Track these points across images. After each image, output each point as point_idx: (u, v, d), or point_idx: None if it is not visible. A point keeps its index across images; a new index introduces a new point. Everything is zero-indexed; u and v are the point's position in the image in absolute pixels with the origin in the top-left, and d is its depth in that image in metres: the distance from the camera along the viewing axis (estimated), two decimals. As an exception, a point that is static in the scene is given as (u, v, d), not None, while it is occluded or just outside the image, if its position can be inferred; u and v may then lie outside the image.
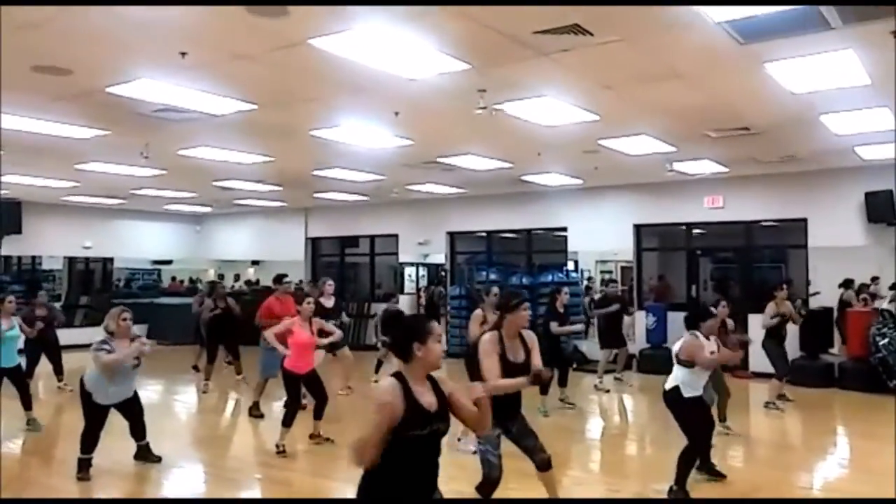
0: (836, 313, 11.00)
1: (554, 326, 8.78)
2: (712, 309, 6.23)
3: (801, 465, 6.98)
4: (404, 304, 13.85)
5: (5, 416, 7.93)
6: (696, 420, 5.56)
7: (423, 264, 16.31)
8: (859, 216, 10.90)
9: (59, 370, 10.32)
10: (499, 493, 4.57)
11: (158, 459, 6.52)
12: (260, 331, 8.79)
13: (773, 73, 5.92)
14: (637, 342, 12.37)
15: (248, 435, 8.23)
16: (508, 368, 4.41)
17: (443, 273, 15.58)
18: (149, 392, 9.29)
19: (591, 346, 11.94)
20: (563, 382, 9.03)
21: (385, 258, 16.73)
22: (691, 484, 5.67)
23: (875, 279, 10.85)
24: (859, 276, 10.83)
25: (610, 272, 14.27)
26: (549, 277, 13.25)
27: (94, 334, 13.22)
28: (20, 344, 8.32)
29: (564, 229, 13.92)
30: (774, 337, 8.80)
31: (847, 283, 10.85)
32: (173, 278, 19.52)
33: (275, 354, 8.34)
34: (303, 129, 8.20)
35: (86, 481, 6.00)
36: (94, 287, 17.90)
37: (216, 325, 10.69)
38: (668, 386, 5.62)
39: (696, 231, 13.18)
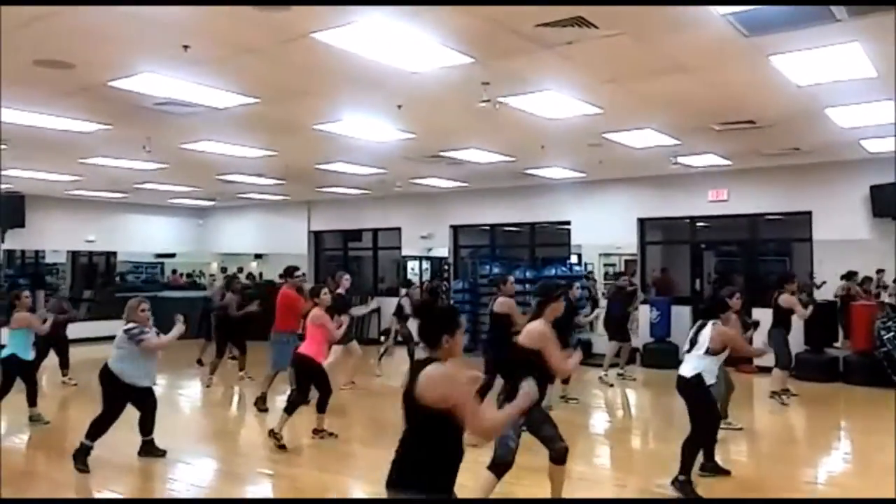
0: (839, 303, 10.94)
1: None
2: (728, 300, 6.24)
3: (805, 460, 6.98)
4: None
5: (10, 411, 7.96)
6: (712, 407, 5.69)
7: (427, 258, 16.29)
8: (864, 209, 10.85)
9: (65, 364, 10.36)
10: (504, 491, 4.57)
11: (163, 454, 6.54)
12: (271, 325, 8.79)
13: (778, 66, 5.88)
14: (641, 336, 12.35)
15: (253, 430, 8.23)
16: None
17: (446, 267, 15.56)
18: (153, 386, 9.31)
19: (595, 339, 11.92)
20: (565, 379, 9.00)
21: (388, 252, 16.73)
22: (696, 479, 5.67)
23: (880, 271, 10.80)
24: (864, 270, 10.78)
25: (613, 265, 14.25)
26: (553, 271, 13.23)
27: (98, 328, 13.36)
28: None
29: (568, 223, 13.89)
30: (781, 327, 8.81)
31: (849, 275, 10.80)
32: (174, 271, 19.52)
33: (286, 348, 8.36)
34: (306, 123, 8.18)
35: (84, 473, 6.00)
36: (98, 281, 17.92)
37: (228, 319, 10.69)
38: (688, 374, 5.59)
39: (700, 224, 13.13)
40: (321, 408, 7.14)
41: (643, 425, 8.73)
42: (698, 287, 12.97)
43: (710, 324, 5.68)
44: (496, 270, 13.66)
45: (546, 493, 4.84)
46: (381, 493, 3.00)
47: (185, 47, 5.28)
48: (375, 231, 16.85)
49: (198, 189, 14.84)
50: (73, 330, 10.63)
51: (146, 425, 6.53)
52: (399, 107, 7.28)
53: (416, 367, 3.00)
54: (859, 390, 9.88)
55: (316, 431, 7.22)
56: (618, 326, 10.80)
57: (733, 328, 5.99)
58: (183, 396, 10.21)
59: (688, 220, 12.99)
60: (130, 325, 6.23)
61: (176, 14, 4.69)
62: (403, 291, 11.56)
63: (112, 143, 9.20)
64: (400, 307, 11.15)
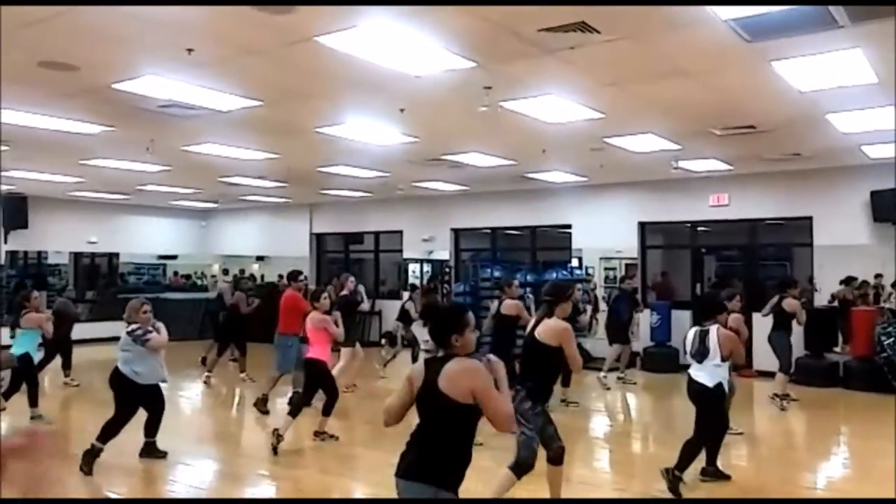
0: (838, 308, 10.95)
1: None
2: (726, 303, 6.27)
3: (805, 465, 6.98)
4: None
5: (12, 412, 7.98)
6: (724, 415, 5.84)
7: (428, 261, 16.30)
8: (865, 215, 10.86)
9: (67, 365, 10.39)
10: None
11: (164, 455, 6.55)
12: (271, 327, 8.82)
13: (780, 72, 5.90)
14: (641, 340, 12.35)
15: (254, 431, 8.25)
16: None
17: (447, 270, 15.58)
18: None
19: (594, 344, 11.92)
20: (566, 382, 9.02)
21: (389, 255, 16.74)
22: (697, 483, 5.69)
23: (878, 276, 10.80)
24: (864, 275, 10.77)
25: (614, 269, 14.24)
26: (554, 275, 13.24)
27: (100, 329, 13.37)
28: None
29: (569, 226, 13.91)
30: (784, 331, 8.82)
31: (848, 281, 10.81)
32: (175, 273, 19.54)
33: (290, 351, 8.39)
34: (308, 126, 8.20)
35: (88, 475, 6.00)
36: (100, 282, 17.94)
37: (237, 318, 10.73)
38: (710, 384, 5.61)
39: (700, 229, 13.16)
40: (327, 411, 7.13)
41: (643, 429, 8.73)
42: (699, 291, 12.97)
43: (713, 329, 5.69)
44: (497, 274, 13.66)
45: (547, 495, 4.85)
46: (382, 494, 3.03)
47: (189, 50, 5.31)
48: (377, 234, 16.87)
49: (200, 191, 14.86)
50: (75, 331, 10.66)
51: (151, 427, 6.54)
52: (401, 110, 7.30)
53: (433, 363, 3.05)
54: (859, 395, 9.87)
55: (317, 433, 7.22)
56: (620, 329, 10.79)
57: (741, 328, 6.07)
58: (183, 398, 10.22)
59: (688, 225, 13.01)
60: (133, 326, 6.26)
61: (180, 16, 4.72)
62: (407, 295, 11.57)
63: (115, 144, 9.22)
64: (405, 311, 11.16)
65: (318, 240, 17.79)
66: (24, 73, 6.01)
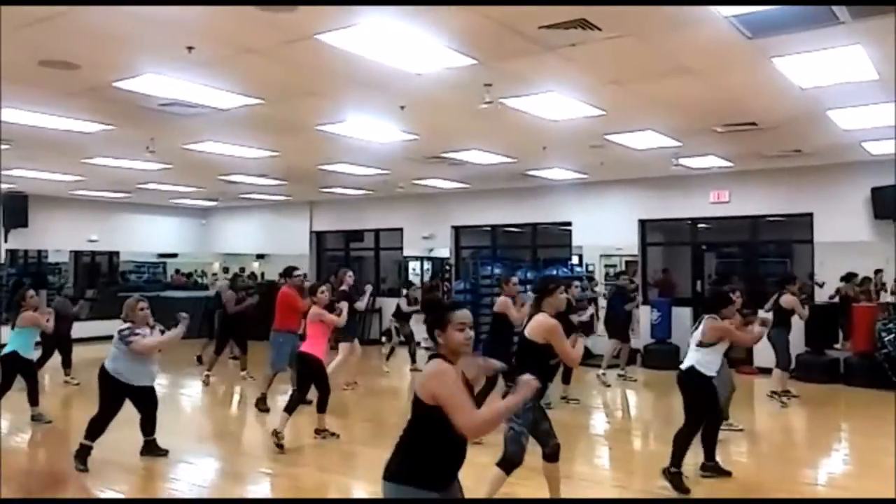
0: (839, 304, 10.94)
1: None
2: (731, 295, 6.20)
3: (805, 462, 6.99)
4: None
5: (12, 410, 7.99)
6: (704, 399, 5.69)
7: (428, 258, 16.31)
8: (865, 211, 10.86)
9: (67, 363, 10.39)
10: (505, 492, 4.58)
11: (165, 453, 6.56)
12: (271, 325, 8.82)
13: (781, 68, 5.89)
14: (641, 337, 12.37)
15: (255, 429, 8.25)
16: None
17: (447, 267, 15.58)
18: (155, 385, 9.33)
19: (595, 341, 11.93)
20: (566, 379, 9.02)
21: (390, 252, 16.75)
22: (697, 480, 5.69)
23: (878, 271, 10.80)
24: (865, 272, 10.78)
25: (614, 266, 14.25)
26: (554, 272, 13.22)
27: (101, 327, 13.37)
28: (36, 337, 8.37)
29: (569, 224, 13.91)
30: (783, 327, 8.82)
31: (848, 277, 10.82)
32: (177, 271, 19.55)
33: (284, 348, 8.37)
34: (309, 124, 8.20)
35: (83, 472, 6.01)
36: (100, 280, 17.95)
37: (230, 318, 10.72)
38: (683, 367, 5.74)
39: (701, 226, 13.15)
40: (321, 407, 7.14)
41: (644, 426, 8.74)
42: (699, 288, 12.97)
43: (705, 318, 5.77)
44: (497, 271, 13.66)
45: (547, 494, 4.86)
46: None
47: (190, 48, 5.31)
48: (377, 231, 16.86)
49: (200, 189, 14.86)
50: (75, 329, 10.67)
51: (147, 426, 6.55)
52: (402, 108, 7.30)
53: (428, 360, 3.04)
54: (860, 392, 9.88)
55: (318, 431, 7.23)
56: (618, 325, 10.78)
57: (733, 322, 6.02)
58: (184, 396, 10.23)
59: (689, 222, 13.01)
60: (126, 325, 6.24)
61: (181, 15, 4.71)
62: (404, 292, 11.58)
63: (115, 143, 9.22)
64: (398, 308, 11.18)
65: (319, 237, 17.79)
66: (25, 72, 6.00)
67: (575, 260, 13.92)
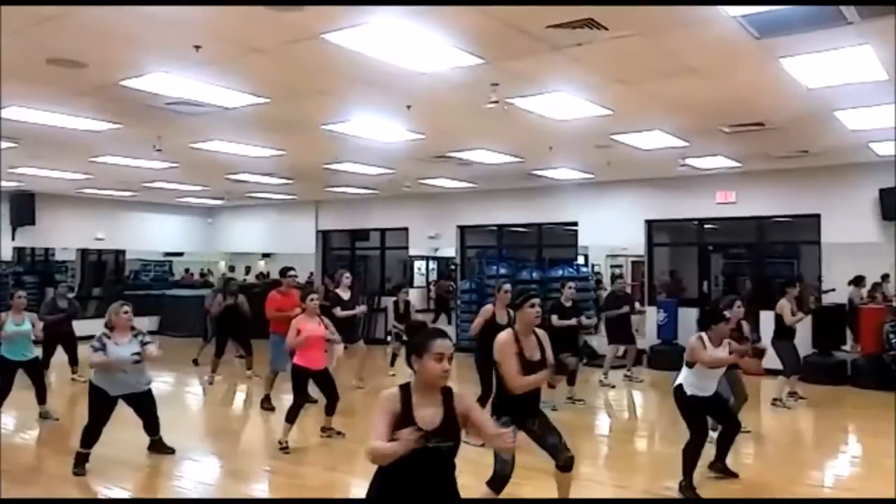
0: (847, 308, 10.90)
1: (554, 319, 8.71)
2: (725, 313, 6.07)
3: (812, 463, 6.97)
4: (414, 297, 13.82)
5: (19, 408, 8.02)
6: (690, 418, 5.57)
7: (434, 258, 16.31)
8: (873, 213, 10.81)
9: (74, 361, 10.43)
10: (507, 492, 4.57)
11: (172, 451, 6.57)
12: (269, 324, 8.84)
13: (788, 69, 5.87)
14: (648, 338, 12.34)
15: (260, 428, 8.27)
16: (526, 366, 4.40)
17: (453, 267, 15.57)
18: (160, 384, 9.33)
19: (601, 342, 11.90)
20: (571, 381, 8.99)
21: (395, 252, 16.75)
22: (704, 481, 5.67)
23: (885, 276, 10.74)
24: (872, 273, 10.72)
25: (620, 266, 14.23)
26: (560, 272, 13.23)
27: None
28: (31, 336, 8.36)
29: (575, 224, 13.88)
30: (785, 334, 8.75)
31: (857, 281, 10.76)
32: (186, 270, 19.61)
33: (284, 348, 8.36)
34: (315, 123, 8.20)
35: (81, 476, 5.99)
36: (107, 279, 18.01)
37: (225, 318, 10.72)
38: (675, 383, 5.69)
39: (707, 226, 13.11)
40: (329, 411, 7.14)
41: (650, 427, 8.72)
42: (706, 289, 12.94)
43: (693, 335, 5.66)
44: (503, 271, 13.68)
45: (551, 492, 4.84)
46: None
47: (197, 47, 5.31)
48: (383, 231, 16.87)
49: (207, 188, 14.90)
50: (82, 327, 10.69)
51: (150, 427, 6.53)
52: (408, 107, 7.29)
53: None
54: (867, 393, 9.84)
55: (324, 430, 7.24)
56: (615, 330, 10.70)
57: (722, 340, 5.78)
58: (190, 394, 10.26)
59: (695, 222, 12.97)
60: (103, 331, 6.12)
61: (188, 14, 4.72)
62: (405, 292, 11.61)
63: (122, 142, 9.25)
64: (397, 309, 11.17)
65: (324, 237, 17.82)
66: (32, 71, 6.03)
67: (581, 260, 13.91)
